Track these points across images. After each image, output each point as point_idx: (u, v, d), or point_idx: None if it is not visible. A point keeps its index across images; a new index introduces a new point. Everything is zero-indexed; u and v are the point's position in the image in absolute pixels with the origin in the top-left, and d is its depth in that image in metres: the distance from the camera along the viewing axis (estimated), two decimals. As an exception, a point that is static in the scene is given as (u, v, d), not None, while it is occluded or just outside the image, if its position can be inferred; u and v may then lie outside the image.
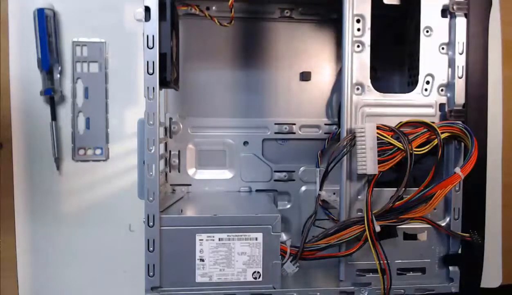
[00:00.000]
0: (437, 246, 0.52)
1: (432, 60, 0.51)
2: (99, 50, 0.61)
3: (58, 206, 0.61)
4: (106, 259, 0.62)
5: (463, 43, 0.51)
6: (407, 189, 0.48)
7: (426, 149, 0.48)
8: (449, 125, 0.49)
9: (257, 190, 0.63)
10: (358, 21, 0.50)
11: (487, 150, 0.52)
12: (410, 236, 0.52)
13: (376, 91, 0.51)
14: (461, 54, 0.51)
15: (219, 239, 0.48)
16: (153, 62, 0.46)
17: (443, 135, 0.49)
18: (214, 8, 0.60)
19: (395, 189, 0.49)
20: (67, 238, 0.62)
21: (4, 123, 0.60)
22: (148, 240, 0.47)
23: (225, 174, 0.63)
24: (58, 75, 0.60)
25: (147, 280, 0.47)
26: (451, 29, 0.51)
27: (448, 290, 0.52)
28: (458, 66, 0.51)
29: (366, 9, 0.50)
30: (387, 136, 0.48)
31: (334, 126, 0.63)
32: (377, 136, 0.47)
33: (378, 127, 0.48)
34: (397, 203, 0.49)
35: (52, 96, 0.59)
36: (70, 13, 0.60)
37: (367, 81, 0.50)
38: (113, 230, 0.62)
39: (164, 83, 0.48)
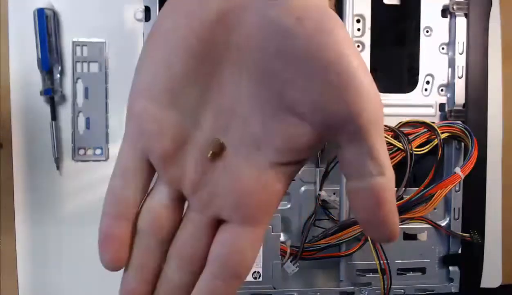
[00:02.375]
0: (437, 246, 0.52)
1: (432, 60, 0.52)
2: (99, 50, 0.61)
3: (58, 206, 0.61)
4: (106, 259, 0.62)
5: (463, 43, 0.51)
6: (407, 189, 0.48)
7: (426, 149, 0.48)
8: (449, 125, 0.49)
9: (257, 190, 0.63)
10: (358, 21, 0.50)
11: (487, 150, 0.52)
12: (410, 236, 0.52)
13: (376, 91, 0.50)
14: (461, 54, 0.51)
15: (219, 239, 0.48)
16: (153, 62, 0.46)
17: (443, 136, 0.49)
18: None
19: (395, 189, 0.49)
20: (67, 238, 0.62)
21: (4, 123, 0.60)
22: (148, 240, 0.47)
23: (225, 174, 0.63)
24: (58, 75, 0.60)
25: (147, 280, 0.47)
26: (451, 29, 0.51)
27: (448, 290, 0.52)
28: (458, 66, 0.51)
29: (366, 9, 0.50)
30: (387, 136, 0.48)
31: (334, 126, 0.63)
32: (377, 136, 0.47)
33: (378, 127, 0.48)
34: (397, 203, 0.49)
35: (52, 96, 0.59)
36: (70, 13, 0.60)
37: (367, 81, 0.50)
38: (113, 230, 0.62)
39: (164, 83, 0.48)
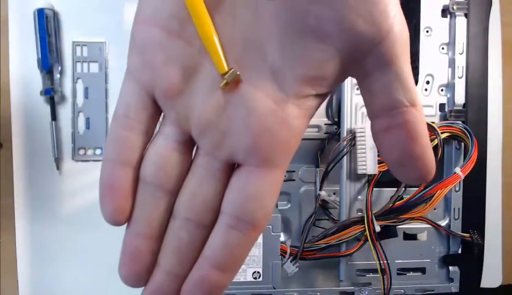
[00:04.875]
0: (437, 246, 0.52)
1: (432, 60, 0.51)
2: (99, 50, 0.61)
3: (58, 206, 0.61)
4: (106, 259, 0.62)
5: (463, 43, 0.51)
6: (407, 189, 0.48)
7: (426, 149, 0.48)
8: (449, 125, 0.49)
9: (257, 190, 0.63)
10: (358, 21, 0.50)
11: (487, 150, 0.52)
12: (410, 236, 0.52)
13: (376, 91, 0.51)
14: (461, 54, 0.51)
15: (219, 239, 0.48)
16: (153, 62, 0.46)
17: (443, 135, 0.49)
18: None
19: (395, 189, 0.49)
20: (67, 238, 0.62)
21: (4, 123, 0.60)
22: (148, 240, 0.47)
23: (225, 174, 0.63)
24: (58, 75, 0.60)
25: (147, 280, 0.47)
26: (451, 29, 0.51)
27: (448, 290, 0.52)
28: (458, 66, 0.51)
29: (366, 9, 0.50)
30: (387, 136, 0.48)
31: (334, 126, 0.63)
32: (377, 136, 0.47)
33: (378, 127, 0.48)
34: (397, 203, 0.49)
35: (52, 96, 0.59)
36: (70, 13, 0.60)
37: (367, 81, 0.50)
38: (113, 230, 0.62)
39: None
